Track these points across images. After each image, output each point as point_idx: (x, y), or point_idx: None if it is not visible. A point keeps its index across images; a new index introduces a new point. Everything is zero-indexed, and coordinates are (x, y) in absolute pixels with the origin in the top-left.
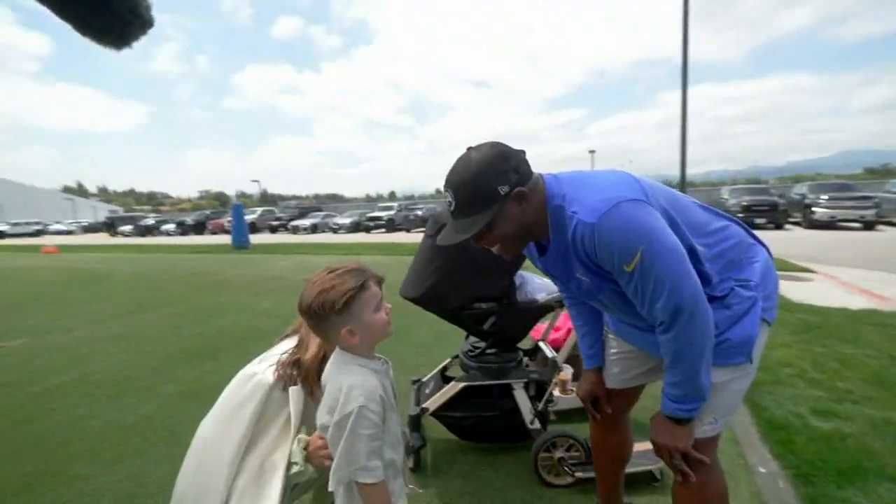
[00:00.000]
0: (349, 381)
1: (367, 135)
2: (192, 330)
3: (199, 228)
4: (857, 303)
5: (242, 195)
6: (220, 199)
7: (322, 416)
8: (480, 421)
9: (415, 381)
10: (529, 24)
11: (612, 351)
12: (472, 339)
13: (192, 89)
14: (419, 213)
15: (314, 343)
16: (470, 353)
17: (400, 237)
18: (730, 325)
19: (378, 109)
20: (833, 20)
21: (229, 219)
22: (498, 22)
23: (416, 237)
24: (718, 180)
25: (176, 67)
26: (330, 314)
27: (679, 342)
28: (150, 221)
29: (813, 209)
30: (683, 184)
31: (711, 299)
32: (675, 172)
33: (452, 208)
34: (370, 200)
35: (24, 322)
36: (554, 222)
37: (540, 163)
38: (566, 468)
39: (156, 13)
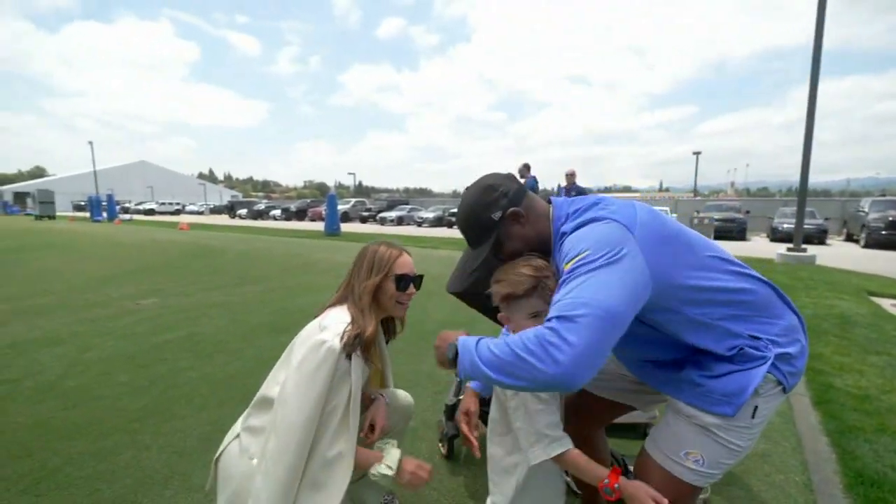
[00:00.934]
0: None
1: (458, 131)
2: (278, 305)
3: (300, 215)
4: None
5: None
6: (321, 189)
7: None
8: None
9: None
10: (636, 13)
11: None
12: None
13: (304, 88)
14: None
15: (372, 320)
16: None
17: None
18: (722, 372)
19: (471, 106)
20: None
21: (326, 207)
22: (601, 12)
23: None
24: (861, 189)
25: (292, 69)
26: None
27: (529, 346)
28: (262, 206)
29: None
30: (804, 190)
31: (716, 358)
32: (797, 178)
33: (468, 243)
34: (456, 196)
35: (156, 286)
36: (557, 239)
37: (638, 164)
38: None
39: (278, 20)
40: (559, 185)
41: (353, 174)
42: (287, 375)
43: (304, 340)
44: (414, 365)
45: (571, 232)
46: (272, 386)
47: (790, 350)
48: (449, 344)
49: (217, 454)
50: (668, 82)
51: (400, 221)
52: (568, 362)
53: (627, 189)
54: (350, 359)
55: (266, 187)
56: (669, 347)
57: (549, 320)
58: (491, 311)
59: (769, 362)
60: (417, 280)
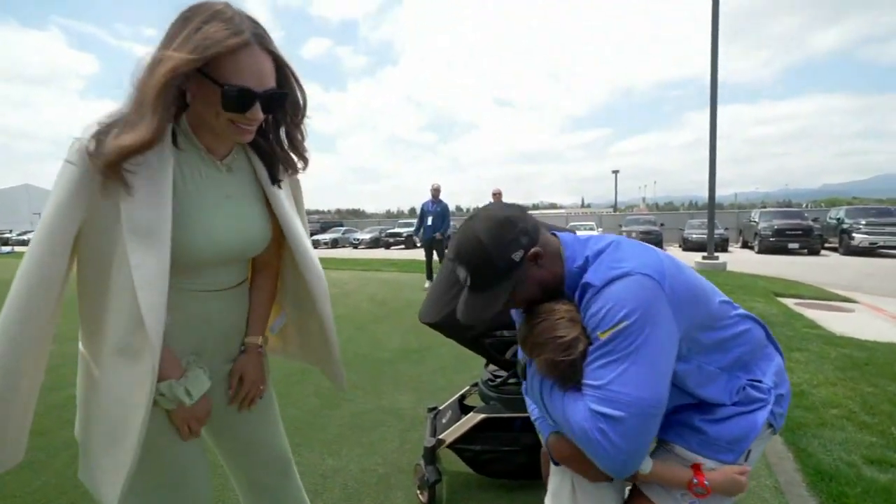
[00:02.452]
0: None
1: (391, 151)
2: None
3: None
4: None
5: None
6: None
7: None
8: (500, 456)
9: (431, 409)
10: (554, 43)
11: None
12: (493, 367)
13: None
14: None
15: (156, 123)
16: (490, 383)
17: (419, 254)
18: (726, 416)
19: (402, 127)
20: (871, 40)
21: None
22: (523, 41)
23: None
24: (747, 202)
25: None
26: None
27: (581, 437)
28: None
29: (852, 234)
30: (712, 206)
31: (723, 409)
32: (701, 194)
33: (468, 284)
34: (390, 216)
35: None
36: (569, 283)
37: (563, 181)
38: None
39: None
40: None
41: None
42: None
43: None
44: (373, 401)
45: (602, 287)
46: None
47: (782, 391)
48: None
49: None
50: (585, 106)
51: (335, 244)
52: (619, 460)
53: (553, 206)
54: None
55: None
56: (674, 396)
57: (591, 410)
58: (468, 342)
59: (770, 405)
60: (276, 98)
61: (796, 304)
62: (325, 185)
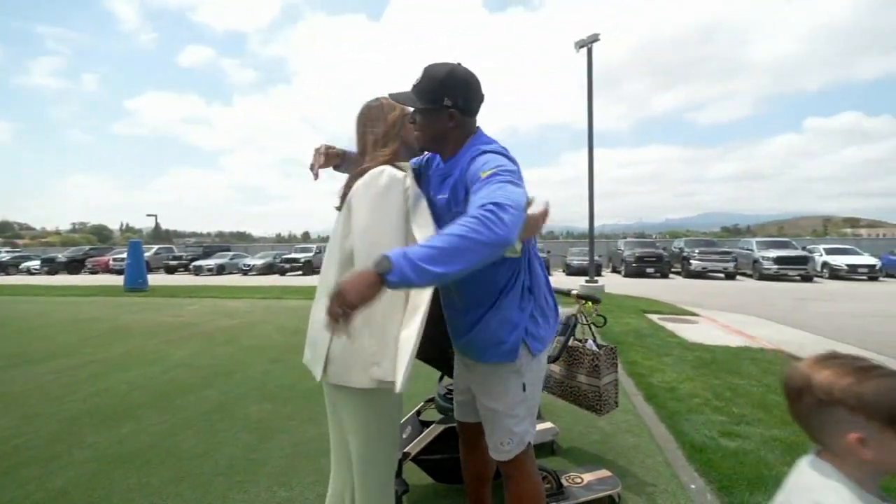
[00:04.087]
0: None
1: (285, 173)
2: (96, 385)
3: (74, 267)
4: (734, 341)
5: (128, 229)
6: (100, 234)
7: None
8: (453, 461)
9: None
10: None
11: (457, 391)
12: (447, 380)
13: (75, 110)
14: None
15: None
16: (448, 396)
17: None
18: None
19: (296, 147)
20: (693, 107)
21: (118, 255)
22: (415, 70)
23: None
24: (611, 233)
25: (55, 84)
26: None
27: (471, 226)
28: (4, 257)
29: (690, 261)
30: (592, 236)
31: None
32: (577, 225)
33: (415, 84)
34: (282, 241)
35: None
36: (465, 152)
37: None
38: None
39: (33, 22)
40: None
41: (155, 216)
42: (354, 222)
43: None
44: (313, 430)
45: (487, 150)
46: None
47: (549, 322)
48: (375, 263)
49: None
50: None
51: (220, 270)
52: (505, 232)
53: None
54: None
55: (7, 230)
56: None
57: (484, 206)
58: (436, 359)
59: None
60: None
61: (659, 318)
62: (206, 205)
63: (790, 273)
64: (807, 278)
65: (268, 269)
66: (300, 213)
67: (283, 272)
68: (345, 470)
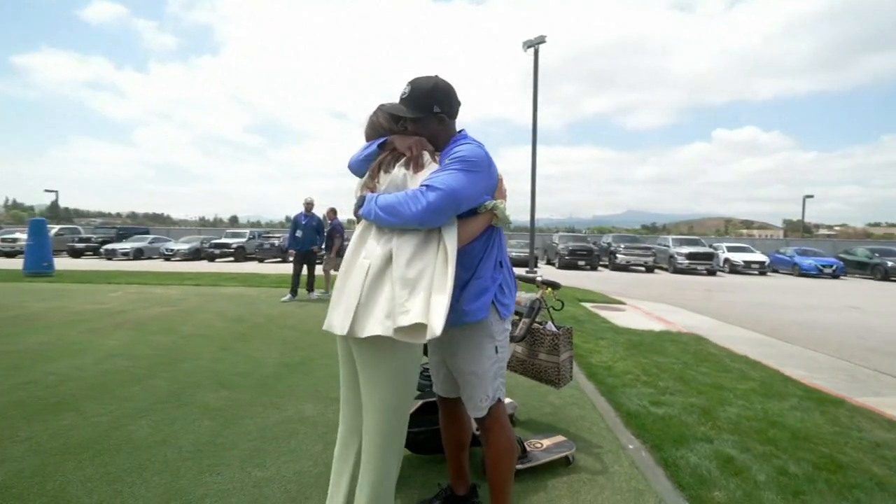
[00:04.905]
0: None
1: (208, 151)
2: (17, 378)
3: None
4: (656, 326)
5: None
6: None
7: None
8: (434, 434)
9: None
10: (387, 67)
11: (436, 369)
12: (423, 359)
13: None
14: (276, 242)
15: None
16: (424, 374)
17: (258, 268)
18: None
19: (222, 124)
20: (620, 112)
21: (6, 236)
22: (358, 59)
23: (273, 268)
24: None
25: None
26: None
27: (402, 198)
28: None
29: (616, 255)
30: (533, 230)
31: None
32: (515, 218)
33: (404, 96)
34: (206, 224)
35: None
36: (450, 147)
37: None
38: None
39: None
40: (324, 216)
41: (56, 192)
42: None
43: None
44: (277, 414)
45: (462, 142)
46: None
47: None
48: (357, 198)
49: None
50: None
51: (138, 255)
52: (420, 210)
53: None
54: None
55: None
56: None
57: (421, 185)
58: None
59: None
60: None
61: (592, 306)
62: (116, 183)
63: (699, 267)
64: (711, 272)
65: (194, 255)
66: (224, 196)
67: (212, 258)
68: (355, 429)
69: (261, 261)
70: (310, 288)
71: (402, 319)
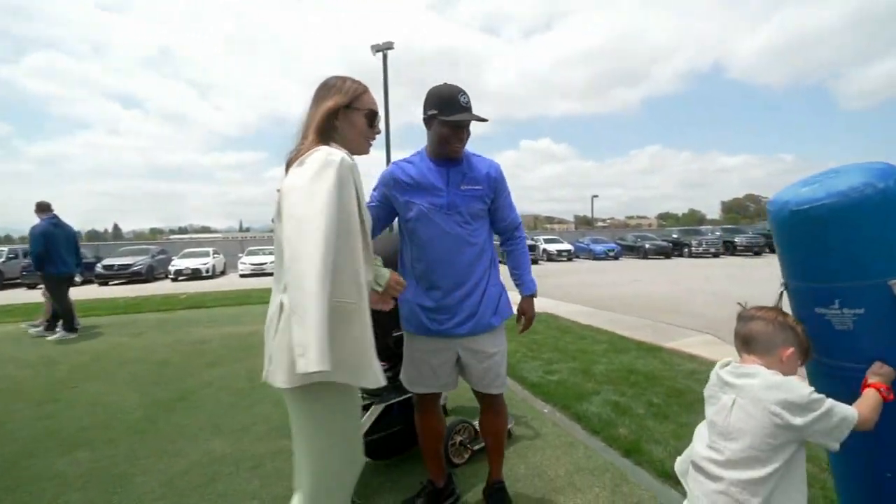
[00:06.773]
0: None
1: None
2: None
3: None
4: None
5: None
6: None
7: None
8: (388, 437)
9: None
10: (197, 51)
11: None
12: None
13: None
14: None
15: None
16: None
17: (26, 295)
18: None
19: None
20: None
21: None
22: (158, 38)
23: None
24: None
25: None
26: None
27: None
28: None
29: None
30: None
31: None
32: None
33: (469, 103)
34: None
35: None
36: (470, 157)
37: (216, 203)
38: (465, 446)
39: None
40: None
41: None
42: (289, 203)
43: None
44: (183, 459)
45: (475, 155)
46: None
47: None
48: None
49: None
50: (237, 127)
51: None
52: None
53: (207, 229)
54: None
55: None
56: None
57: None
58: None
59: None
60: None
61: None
62: None
63: None
64: (535, 261)
65: None
66: None
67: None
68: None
69: (31, 287)
70: (62, 320)
71: (299, 364)
